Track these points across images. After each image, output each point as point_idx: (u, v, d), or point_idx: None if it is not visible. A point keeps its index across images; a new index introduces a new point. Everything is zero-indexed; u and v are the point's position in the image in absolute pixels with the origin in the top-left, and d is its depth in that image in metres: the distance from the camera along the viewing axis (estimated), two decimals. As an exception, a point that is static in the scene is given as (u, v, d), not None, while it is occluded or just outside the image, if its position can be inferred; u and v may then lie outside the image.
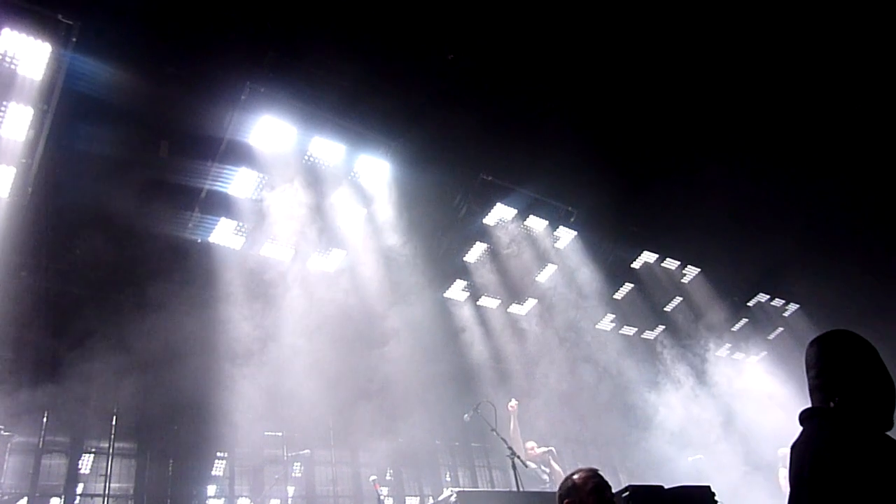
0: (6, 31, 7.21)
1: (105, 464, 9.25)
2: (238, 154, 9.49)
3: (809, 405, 2.31)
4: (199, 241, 10.25)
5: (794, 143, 11.85)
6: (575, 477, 3.23)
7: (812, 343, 2.37)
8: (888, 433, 2.12)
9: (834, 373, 2.22)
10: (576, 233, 13.25)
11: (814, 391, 2.28)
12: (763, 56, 9.99)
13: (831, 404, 2.18)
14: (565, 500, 3.08)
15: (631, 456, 14.27)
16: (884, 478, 1.88)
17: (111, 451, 9.39)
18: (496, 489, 12.30)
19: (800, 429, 2.27)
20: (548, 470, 8.37)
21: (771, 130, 11.58)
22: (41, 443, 8.95)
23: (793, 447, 2.22)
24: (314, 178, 10.17)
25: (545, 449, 8.54)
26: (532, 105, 10.46)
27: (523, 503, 6.91)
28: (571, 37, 9.39)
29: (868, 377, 2.18)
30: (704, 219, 13.24)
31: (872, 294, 15.39)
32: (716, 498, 5.98)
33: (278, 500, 10.43)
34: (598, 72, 10.02)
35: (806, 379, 2.34)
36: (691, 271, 15.64)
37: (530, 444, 8.70)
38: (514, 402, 8.64)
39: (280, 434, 10.91)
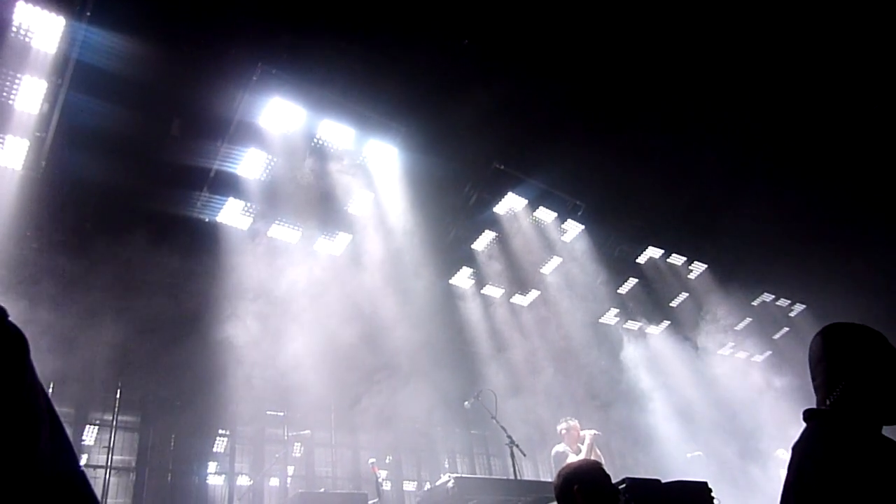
0: (21, 3, 7.22)
1: (108, 436, 9.38)
2: (247, 135, 9.49)
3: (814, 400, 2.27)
4: (207, 220, 10.31)
5: (802, 142, 11.79)
6: (584, 465, 3.33)
7: (815, 336, 2.27)
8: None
9: (836, 365, 2.14)
10: (583, 226, 13.21)
11: (816, 389, 2.21)
12: (779, 53, 9.92)
13: (828, 402, 2.13)
14: (575, 486, 3.10)
15: (629, 449, 14.33)
16: (871, 488, 1.88)
17: (114, 423, 9.51)
18: (493, 476, 12.40)
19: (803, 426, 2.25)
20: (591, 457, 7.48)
21: (781, 130, 11.52)
22: (46, 413, 9.06)
23: (793, 448, 2.21)
24: (323, 161, 10.18)
25: (594, 432, 7.77)
26: (545, 95, 10.41)
27: (520, 491, 6.96)
28: (588, 29, 9.34)
29: (872, 373, 2.07)
30: (713, 216, 13.21)
31: (880, 295, 15.31)
32: (713, 494, 6.03)
33: (277, 479, 10.55)
34: (614, 66, 9.96)
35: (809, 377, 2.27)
36: (697, 268, 15.61)
37: (573, 421, 7.89)
38: (592, 432, 7.79)
39: (282, 414, 11.01)
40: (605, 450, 8.13)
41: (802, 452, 2.08)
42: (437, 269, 11.99)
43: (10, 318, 0.81)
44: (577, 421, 7.93)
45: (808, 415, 2.20)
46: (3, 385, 0.73)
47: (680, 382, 15.10)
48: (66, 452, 0.79)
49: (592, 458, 7.25)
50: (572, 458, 7.14)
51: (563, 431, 7.79)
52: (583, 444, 7.68)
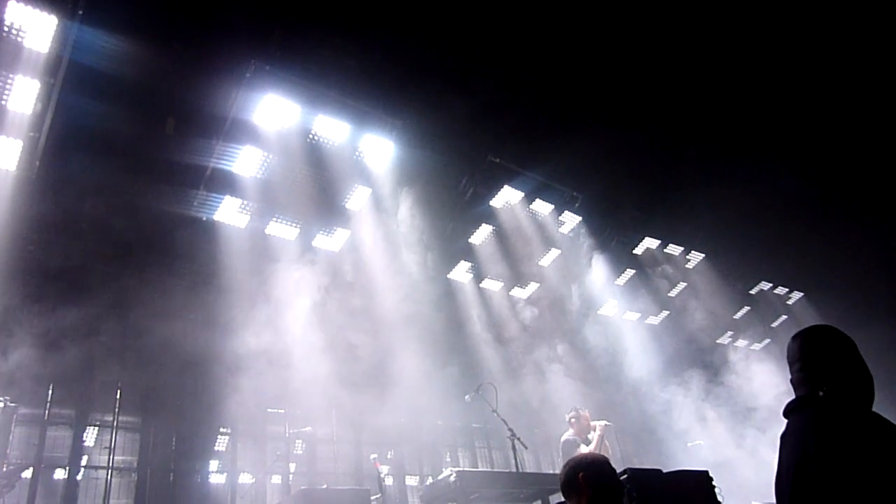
0: (12, 3, 7.16)
1: (109, 437, 9.37)
2: (243, 132, 9.44)
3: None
4: (205, 218, 10.28)
5: (799, 130, 11.79)
6: (590, 456, 3.37)
7: (794, 338, 2.43)
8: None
9: (818, 365, 2.28)
10: (580, 218, 13.20)
11: (798, 384, 2.33)
12: (772, 44, 9.91)
13: (820, 394, 2.21)
14: (580, 474, 3.13)
15: (629, 439, 14.37)
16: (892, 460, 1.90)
17: (115, 424, 9.50)
18: (495, 469, 12.42)
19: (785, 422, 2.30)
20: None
21: (775, 120, 11.51)
22: (46, 415, 9.06)
23: (783, 437, 2.24)
24: (319, 157, 10.14)
25: (605, 423, 7.61)
26: (540, 89, 10.39)
27: (521, 483, 6.98)
28: (581, 21, 9.31)
29: (850, 369, 2.25)
30: (709, 206, 13.21)
31: (876, 282, 15.35)
32: (713, 483, 6.04)
33: (280, 477, 10.56)
34: (608, 58, 9.94)
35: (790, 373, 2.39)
36: (695, 257, 15.60)
37: (584, 410, 7.73)
38: (603, 423, 7.64)
39: (283, 411, 11.01)
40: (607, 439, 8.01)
41: (817, 431, 2.08)
42: (435, 263, 11.98)
43: None
44: (587, 410, 7.78)
45: (799, 404, 2.28)
46: None
47: (681, 372, 15.12)
48: None
49: (601, 451, 7.17)
50: (583, 450, 7.11)
51: (573, 419, 7.62)
52: (592, 434, 7.55)
